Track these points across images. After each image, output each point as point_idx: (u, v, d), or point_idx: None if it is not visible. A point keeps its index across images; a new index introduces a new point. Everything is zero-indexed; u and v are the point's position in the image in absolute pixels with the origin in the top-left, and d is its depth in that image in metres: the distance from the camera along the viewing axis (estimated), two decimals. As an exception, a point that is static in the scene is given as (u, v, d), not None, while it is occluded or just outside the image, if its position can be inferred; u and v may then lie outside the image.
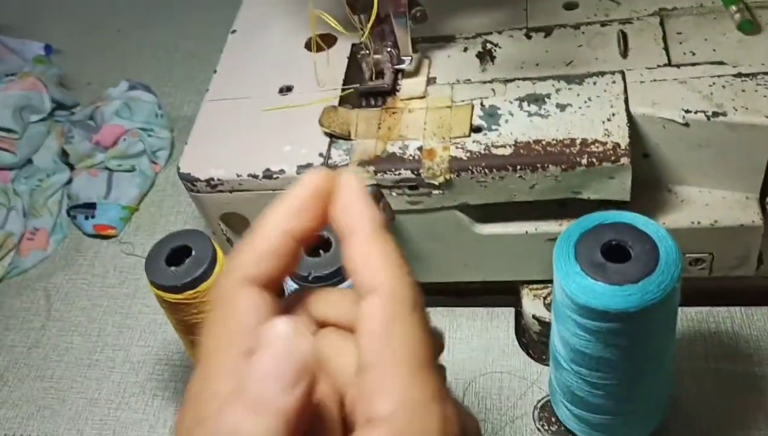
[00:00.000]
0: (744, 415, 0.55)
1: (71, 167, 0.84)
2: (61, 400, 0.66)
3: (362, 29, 0.57)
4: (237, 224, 0.62)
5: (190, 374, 0.27)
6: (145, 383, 0.66)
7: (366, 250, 0.26)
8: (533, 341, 0.61)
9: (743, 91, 0.53)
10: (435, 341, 0.27)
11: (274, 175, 0.57)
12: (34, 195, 0.81)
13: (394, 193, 0.56)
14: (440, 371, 0.27)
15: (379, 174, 0.55)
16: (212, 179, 0.58)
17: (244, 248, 0.28)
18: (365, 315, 0.26)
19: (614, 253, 0.45)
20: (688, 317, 0.61)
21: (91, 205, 0.79)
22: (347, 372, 0.26)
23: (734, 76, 0.54)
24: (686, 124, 0.53)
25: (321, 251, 0.51)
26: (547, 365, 0.57)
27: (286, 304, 0.29)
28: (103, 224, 0.78)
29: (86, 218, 0.79)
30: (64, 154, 0.84)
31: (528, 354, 0.61)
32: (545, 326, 0.59)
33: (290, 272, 0.28)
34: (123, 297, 0.73)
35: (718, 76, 0.54)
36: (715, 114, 0.52)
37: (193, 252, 0.52)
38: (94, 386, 0.66)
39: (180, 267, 0.52)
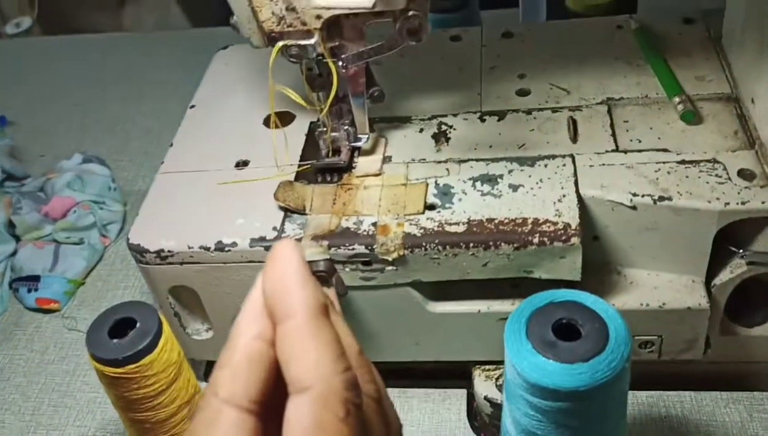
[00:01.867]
0: (696, 502, 0.54)
1: (17, 239, 0.81)
2: (-13, 483, 0.62)
3: (321, 107, 0.58)
4: (186, 297, 0.61)
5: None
6: (79, 465, 0.62)
7: (298, 342, 0.24)
8: (485, 424, 0.60)
9: (687, 177, 0.55)
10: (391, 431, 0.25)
11: (226, 248, 0.56)
12: (-24, 266, 0.79)
13: (347, 269, 0.55)
14: None
15: (332, 249, 0.54)
16: (162, 251, 0.57)
17: (221, 363, 0.26)
18: (290, 418, 0.24)
19: (565, 331, 0.45)
20: (640, 401, 0.61)
21: (35, 278, 0.77)
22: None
23: (678, 163, 0.56)
24: (633, 207, 0.54)
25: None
26: (499, 448, 0.56)
27: None
28: (46, 298, 0.76)
29: (29, 290, 0.76)
30: (10, 226, 0.82)
31: (480, 437, 0.60)
32: (497, 407, 0.58)
33: (273, 380, 0.26)
34: (62, 374, 0.70)
35: (663, 162, 0.56)
36: (661, 198, 0.53)
37: (138, 324, 0.51)
38: (24, 469, 0.63)
39: (123, 339, 0.50)
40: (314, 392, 0.24)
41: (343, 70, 0.55)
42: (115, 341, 0.50)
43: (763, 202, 0.52)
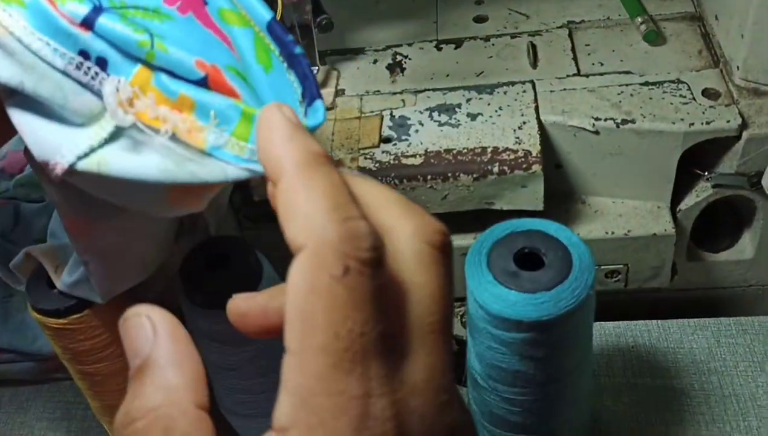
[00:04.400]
0: (665, 430, 0.54)
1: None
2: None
3: (265, 38, 0.54)
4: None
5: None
6: None
7: (290, 198, 0.21)
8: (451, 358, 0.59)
9: (650, 99, 0.53)
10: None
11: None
12: None
13: (300, 208, 0.53)
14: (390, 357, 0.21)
15: (284, 187, 0.52)
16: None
17: None
18: (288, 284, 0.20)
19: (527, 261, 0.44)
20: (606, 331, 0.60)
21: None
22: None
23: (641, 84, 0.54)
24: (596, 132, 0.52)
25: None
26: (465, 386, 0.55)
27: None
28: None
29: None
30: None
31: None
32: (462, 344, 0.57)
33: None
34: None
35: (626, 85, 0.54)
36: (624, 121, 0.51)
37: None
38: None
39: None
40: (306, 251, 0.20)
41: (287, -3, 0.52)
42: (56, 290, 0.47)
43: (728, 122, 0.50)
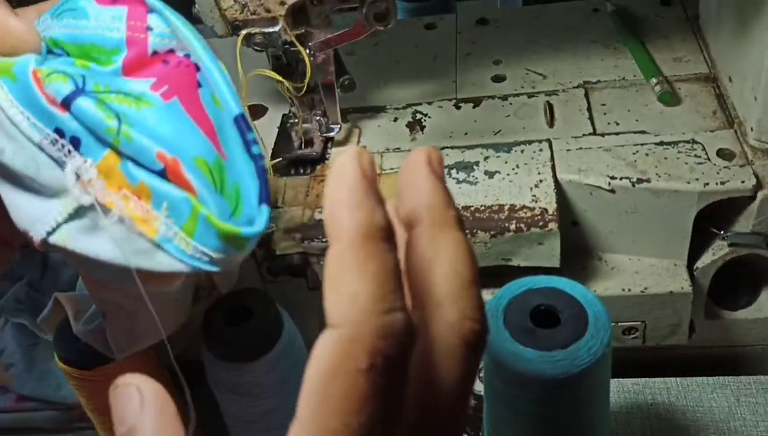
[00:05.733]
0: (684, 489, 0.53)
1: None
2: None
3: (290, 97, 0.56)
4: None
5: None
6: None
7: (337, 270, 0.21)
8: (469, 416, 0.59)
9: (665, 158, 0.54)
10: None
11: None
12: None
13: (321, 262, 0.54)
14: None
15: (305, 241, 0.53)
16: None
17: None
18: (312, 355, 0.21)
19: (543, 318, 0.44)
20: (625, 388, 0.60)
21: None
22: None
23: (656, 144, 0.55)
24: (612, 191, 0.53)
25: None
26: (483, 441, 0.55)
27: None
28: None
29: None
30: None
31: (464, 431, 0.59)
32: (479, 399, 0.57)
33: None
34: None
35: (641, 144, 0.55)
36: (640, 180, 0.52)
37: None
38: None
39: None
40: (339, 333, 0.20)
41: (311, 59, 0.53)
42: (82, 341, 0.48)
43: (742, 182, 0.51)
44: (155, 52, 0.31)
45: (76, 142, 0.30)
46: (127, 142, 0.29)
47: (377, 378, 0.20)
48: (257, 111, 0.65)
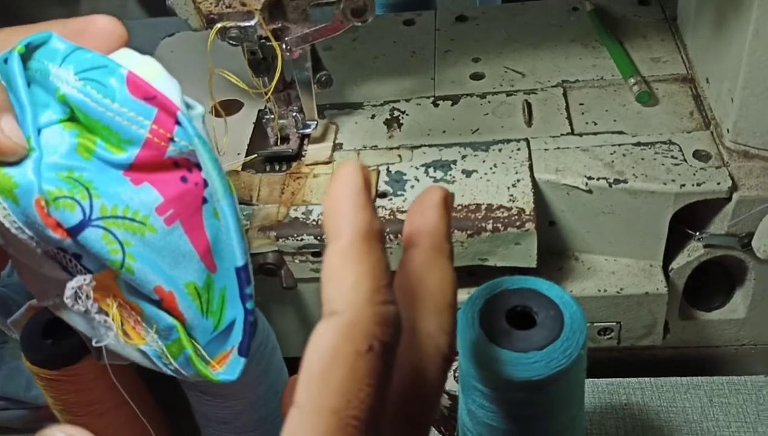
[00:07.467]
0: (657, 489, 0.54)
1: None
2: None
3: (265, 92, 0.56)
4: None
5: None
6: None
7: (339, 262, 0.23)
8: (444, 417, 0.59)
9: (642, 159, 0.54)
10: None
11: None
12: None
13: (296, 260, 0.53)
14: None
15: (280, 240, 0.52)
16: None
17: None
18: (312, 340, 0.23)
19: (520, 319, 0.44)
20: (600, 388, 0.60)
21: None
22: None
23: (634, 145, 0.55)
24: (589, 191, 0.53)
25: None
26: (458, 441, 0.55)
27: None
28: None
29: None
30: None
31: (439, 431, 0.59)
32: (455, 400, 0.57)
33: None
34: None
35: (619, 145, 0.55)
36: (617, 181, 0.52)
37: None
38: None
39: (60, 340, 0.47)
40: (340, 319, 0.22)
41: (288, 54, 0.53)
42: (49, 341, 0.47)
43: (718, 184, 0.51)
44: (169, 158, 0.31)
45: (77, 256, 0.31)
46: (130, 275, 0.30)
47: (375, 361, 0.22)
48: (232, 106, 0.64)
